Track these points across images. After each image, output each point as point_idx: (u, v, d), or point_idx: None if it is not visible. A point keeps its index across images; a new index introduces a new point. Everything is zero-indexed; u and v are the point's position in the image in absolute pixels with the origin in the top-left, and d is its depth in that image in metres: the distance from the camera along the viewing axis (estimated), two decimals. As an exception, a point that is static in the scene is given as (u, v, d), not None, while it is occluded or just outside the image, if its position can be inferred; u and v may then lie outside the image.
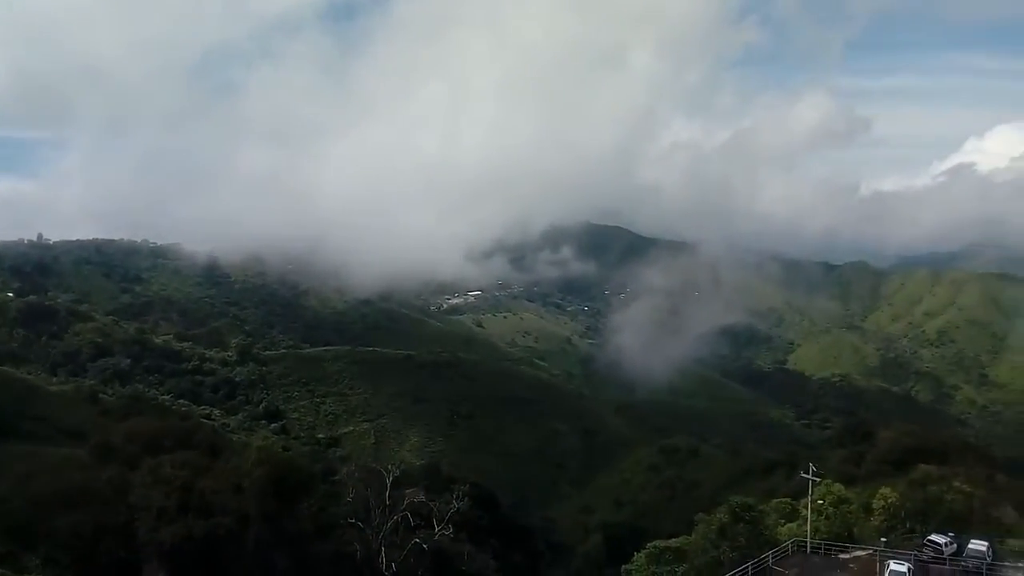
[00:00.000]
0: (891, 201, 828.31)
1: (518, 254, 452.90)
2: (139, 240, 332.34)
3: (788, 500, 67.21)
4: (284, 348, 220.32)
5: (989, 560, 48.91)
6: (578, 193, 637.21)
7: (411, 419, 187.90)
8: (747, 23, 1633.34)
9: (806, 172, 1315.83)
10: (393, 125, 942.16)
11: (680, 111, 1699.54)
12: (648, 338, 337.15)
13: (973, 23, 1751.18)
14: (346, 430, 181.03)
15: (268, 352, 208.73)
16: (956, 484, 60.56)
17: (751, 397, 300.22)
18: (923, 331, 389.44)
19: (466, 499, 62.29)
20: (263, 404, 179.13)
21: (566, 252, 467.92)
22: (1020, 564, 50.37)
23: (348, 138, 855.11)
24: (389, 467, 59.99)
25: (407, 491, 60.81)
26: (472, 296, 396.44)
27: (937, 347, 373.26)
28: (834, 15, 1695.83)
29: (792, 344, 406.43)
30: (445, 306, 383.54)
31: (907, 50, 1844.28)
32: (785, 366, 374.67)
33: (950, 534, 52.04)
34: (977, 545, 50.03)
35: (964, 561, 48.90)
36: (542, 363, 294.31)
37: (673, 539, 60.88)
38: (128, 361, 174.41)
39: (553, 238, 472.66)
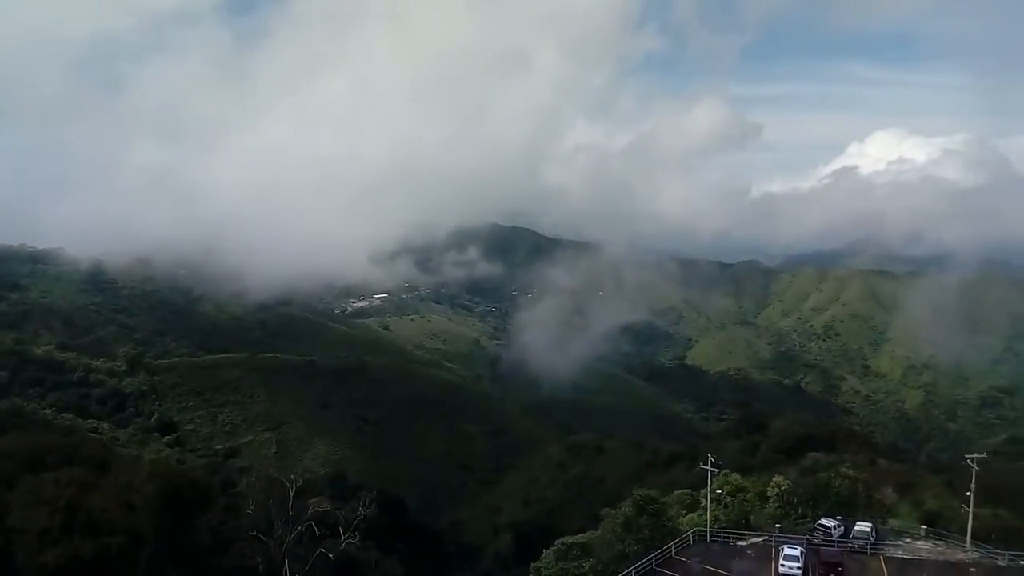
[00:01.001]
0: (780, 202, 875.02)
1: (424, 255, 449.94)
2: (15, 244, 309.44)
3: (689, 491, 69.52)
4: (177, 356, 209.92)
5: (873, 540, 52.21)
6: (484, 194, 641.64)
7: (315, 426, 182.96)
8: (647, 30, 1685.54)
9: (702, 175, 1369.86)
10: (294, 123, 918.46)
11: (584, 114, 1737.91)
12: (554, 337, 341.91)
13: (854, 35, 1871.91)
14: (246, 440, 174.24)
15: (160, 361, 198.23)
16: (843, 470, 64.16)
17: (653, 392, 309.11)
18: (811, 325, 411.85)
19: (372, 505, 61.63)
20: (155, 416, 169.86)
21: (473, 253, 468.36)
22: (899, 542, 54.05)
23: (246, 136, 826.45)
24: (292, 476, 58.71)
25: (311, 500, 59.64)
26: (378, 299, 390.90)
27: (824, 340, 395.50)
28: (728, 24, 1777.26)
29: (691, 340, 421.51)
30: (350, 309, 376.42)
31: (795, 59, 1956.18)
32: (685, 361, 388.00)
33: (838, 517, 55.20)
34: (862, 526, 53.34)
35: (851, 542, 51.98)
36: (450, 365, 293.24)
37: (580, 535, 61.73)
38: (5, 374, 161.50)
39: (460, 239, 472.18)
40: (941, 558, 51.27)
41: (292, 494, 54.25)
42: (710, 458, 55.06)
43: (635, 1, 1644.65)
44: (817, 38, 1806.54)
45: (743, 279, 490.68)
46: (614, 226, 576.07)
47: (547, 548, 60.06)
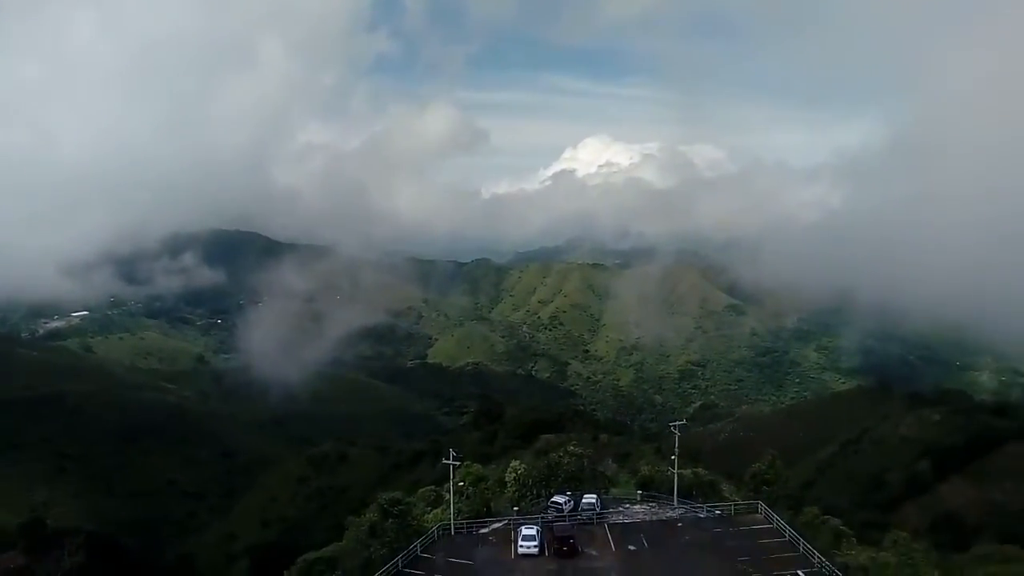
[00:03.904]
0: (507, 203, 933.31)
1: (130, 266, 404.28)
2: None
3: (433, 487, 69.83)
4: None
5: (598, 510, 56.30)
6: (204, 198, 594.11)
7: (4, 470, 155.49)
8: (378, 33, 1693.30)
9: (435, 177, 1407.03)
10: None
11: (314, 114, 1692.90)
12: (289, 346, 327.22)
13: (563, 49, 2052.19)
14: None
15: None
16: (571, 448, 68.44)
17: (396, 394, 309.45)
18: (538, 317, 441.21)
19: (80, 552, 54.22)
20: None
21: (189, 260, 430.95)
22: (620, 509, 59.00)
23: None
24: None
25: (1, 557, 50.96)
26: (76, 317, 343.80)
27: (550, 330, 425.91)
28: (456, 34, 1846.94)
29: (431, 338, 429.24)
30: (42, 331, 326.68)
31: (515, 69, 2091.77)
32: (426, 360, 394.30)
33: (568, 493, 58.72)
34: (588, 499, 57.30)
35: (580, 515, 55.55)
36: (170, 386, 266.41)
37: (324, 548, 58.88)
38: None
39: (174, 246, 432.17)
40: (654, 518, 56.81)
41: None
42: (451, 452, 55.48)
43: (364, 3, 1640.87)
44: (533, 51, 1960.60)
45: (477, 277, 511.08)
46: (349, 228, 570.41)
47: (288, 568, 56.32)
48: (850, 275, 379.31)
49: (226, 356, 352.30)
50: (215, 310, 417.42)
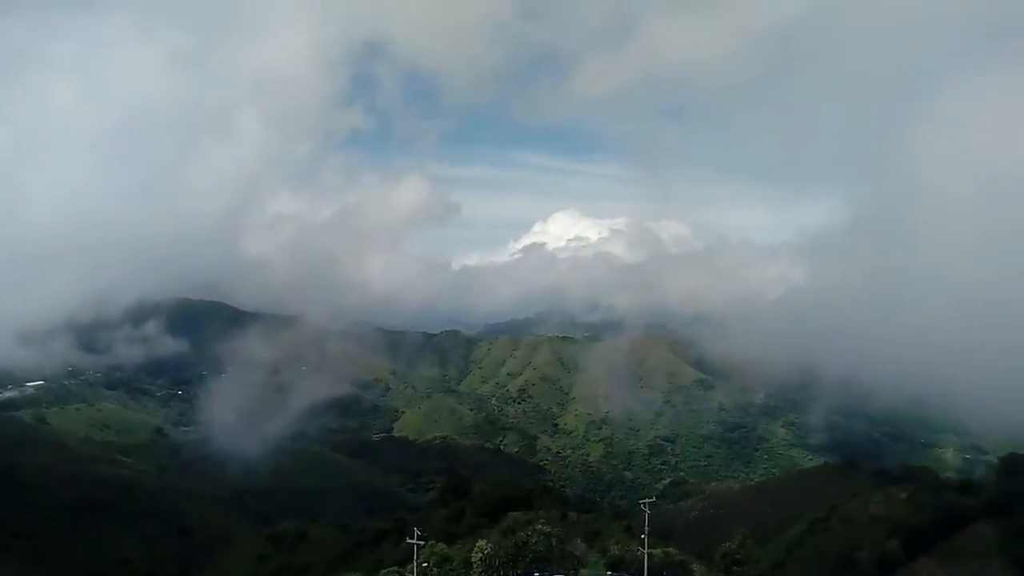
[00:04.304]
0: (477, 275, 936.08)
1: (91, 334, 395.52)
2: None
3: (395, 569, 67.48)
4: None
5: (567, 592, 54.81)
6: (171, 265, 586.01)
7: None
8: (354, 108, 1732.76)
9: (406, 248, 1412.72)
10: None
11: (287, 185, 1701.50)
12: (251, 419, 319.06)
13: (531, 128, 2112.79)
14: None
15: None
16: (539, 526, 66.94)
17: (360, 469, 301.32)
18: (507, 390, 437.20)
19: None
20: None
21: (152, 329, 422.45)
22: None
23: None
24: None
25: None
26: (31, 387, 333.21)
27: (519, 403, 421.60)
28: (429, 110, 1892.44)
29: (398, 411, 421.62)
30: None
31: (488, 145, 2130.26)
32: (392, 433, 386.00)
33: (536, 574, 57.20)
34: (557, 580, 55.86)
35: (548, 597, 53.97)
36: (126, 459, 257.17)
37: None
38: None
39: (137, 315, 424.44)
40: (625, 600, 55.37)
41: None
42: (416, 531, 54.00)
43: (341, 80, 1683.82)
44: (505, 128, 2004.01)
45: (446, 348, 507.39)
46: (318, 298, 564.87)
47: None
48: (815, 351, 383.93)
49: (186, 428, 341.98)
50: (176, 380, 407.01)
